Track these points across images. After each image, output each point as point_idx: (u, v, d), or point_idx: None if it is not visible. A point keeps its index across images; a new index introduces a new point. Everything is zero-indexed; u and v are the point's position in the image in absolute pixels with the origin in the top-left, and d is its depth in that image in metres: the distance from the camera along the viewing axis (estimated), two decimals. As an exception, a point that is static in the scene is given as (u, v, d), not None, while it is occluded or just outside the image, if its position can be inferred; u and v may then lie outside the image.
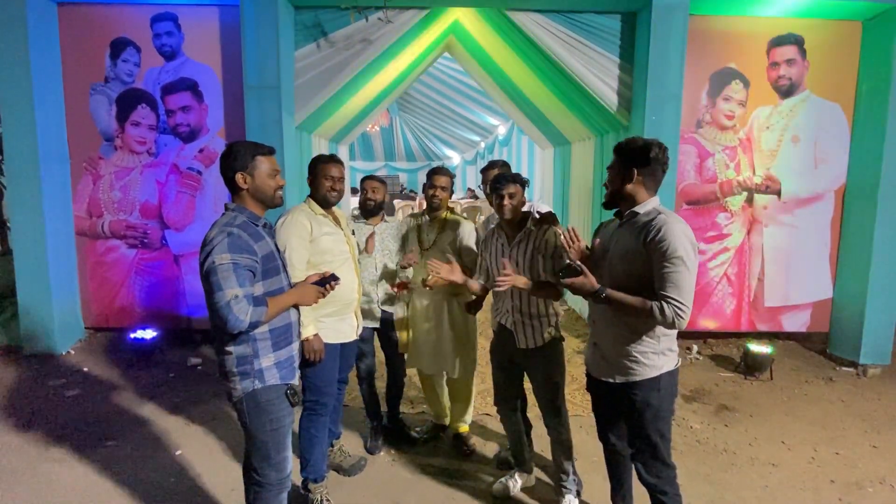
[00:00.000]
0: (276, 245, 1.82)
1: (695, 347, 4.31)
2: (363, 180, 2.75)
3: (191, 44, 4.14)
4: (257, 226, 1.73)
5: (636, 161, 1.77)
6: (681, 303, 1.63)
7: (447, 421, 2.97)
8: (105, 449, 2.80)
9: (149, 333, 4.05)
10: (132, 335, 4.05)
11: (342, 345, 2.34)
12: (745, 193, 4.22)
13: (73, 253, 4.24)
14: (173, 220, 4.27)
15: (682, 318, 1.63)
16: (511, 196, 2.16)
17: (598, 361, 1.91)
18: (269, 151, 1.76)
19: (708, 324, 4.34)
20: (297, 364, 1.86)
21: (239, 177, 1.71)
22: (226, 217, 1.71)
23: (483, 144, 13.69)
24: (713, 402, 3.48)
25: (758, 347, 3.88)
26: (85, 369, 3.83)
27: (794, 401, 3.54)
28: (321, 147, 5.26)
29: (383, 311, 2.75)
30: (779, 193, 4.20)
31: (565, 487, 2.33)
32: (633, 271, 1.74)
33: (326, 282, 1.85)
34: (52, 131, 4.04)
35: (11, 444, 2.84)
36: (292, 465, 1.87)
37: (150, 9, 4.07)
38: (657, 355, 1.78)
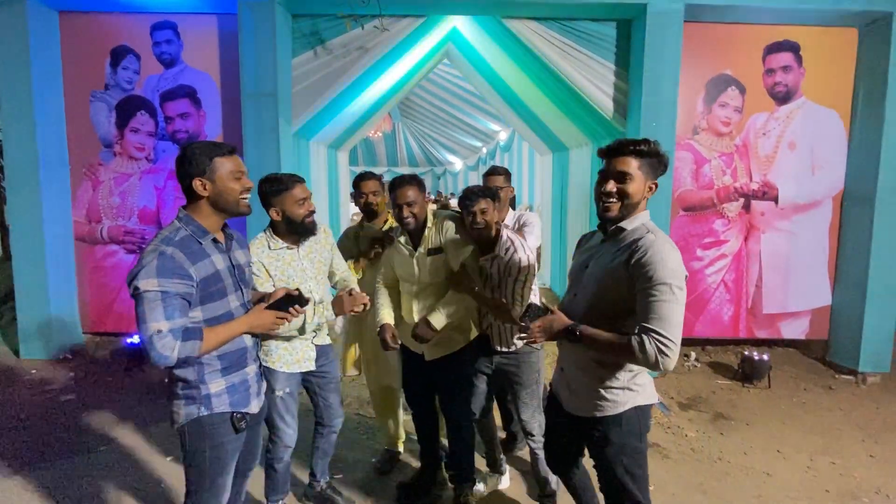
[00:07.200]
0: (232, 260, 1.60)
1: (693, 354, 4.28)
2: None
3: (190, 51, 4.18)
4: (201, 242, 1.51)
5: (659, 170, 1.52)
6: (666, 337, 1.37)
7: (402, 447, 2.84)
8: (97, 454, 2.81)
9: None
10: (128, 340, 4.07)
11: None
12: (742, 200, 4.20)
13: (71, 258, 4.27)
14: (171, 226, 4.30)
15: (667, 356, 1.37)
16: (483, 212, 2.05)
17: (562, 389, 1.73)
18: (230, 151, 1.55)
19: (706, 331, 4.31)
20: (254, 390, 1.66)
21: (197, 183, 1.50)
22: (168, 229, 1.50)
23: (485, 150, 13.74)
24: (709, 410, 3.45)
25: (756, 355, 3.86)
26: (81, 374, 3.85)
27: (791, 409, 3.50)
28: (319, 153, 5.29)
29: (318, 347, 2.18)
30: (776, 200, 4.18)
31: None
32: (607, 295, 1.52)
33: (290, 304, 1.61)
34: (53, 137, 4.08)
35: (4, 449, 2.85)
36: (228, 497, 1.67)
37: (150, 17, 4.12)
38: (622, 390, 1.56)
